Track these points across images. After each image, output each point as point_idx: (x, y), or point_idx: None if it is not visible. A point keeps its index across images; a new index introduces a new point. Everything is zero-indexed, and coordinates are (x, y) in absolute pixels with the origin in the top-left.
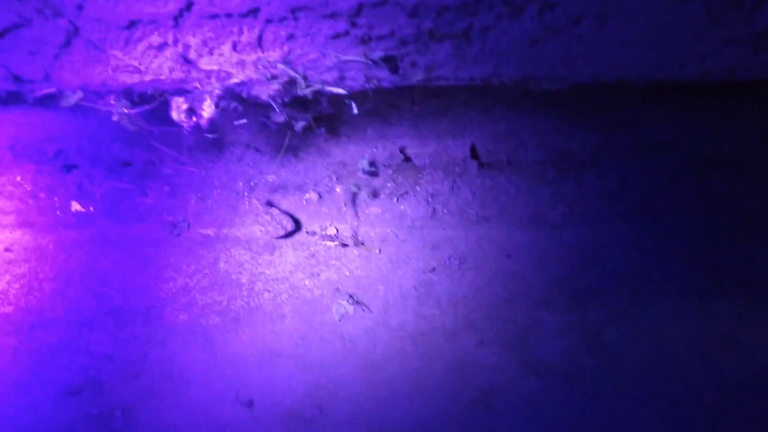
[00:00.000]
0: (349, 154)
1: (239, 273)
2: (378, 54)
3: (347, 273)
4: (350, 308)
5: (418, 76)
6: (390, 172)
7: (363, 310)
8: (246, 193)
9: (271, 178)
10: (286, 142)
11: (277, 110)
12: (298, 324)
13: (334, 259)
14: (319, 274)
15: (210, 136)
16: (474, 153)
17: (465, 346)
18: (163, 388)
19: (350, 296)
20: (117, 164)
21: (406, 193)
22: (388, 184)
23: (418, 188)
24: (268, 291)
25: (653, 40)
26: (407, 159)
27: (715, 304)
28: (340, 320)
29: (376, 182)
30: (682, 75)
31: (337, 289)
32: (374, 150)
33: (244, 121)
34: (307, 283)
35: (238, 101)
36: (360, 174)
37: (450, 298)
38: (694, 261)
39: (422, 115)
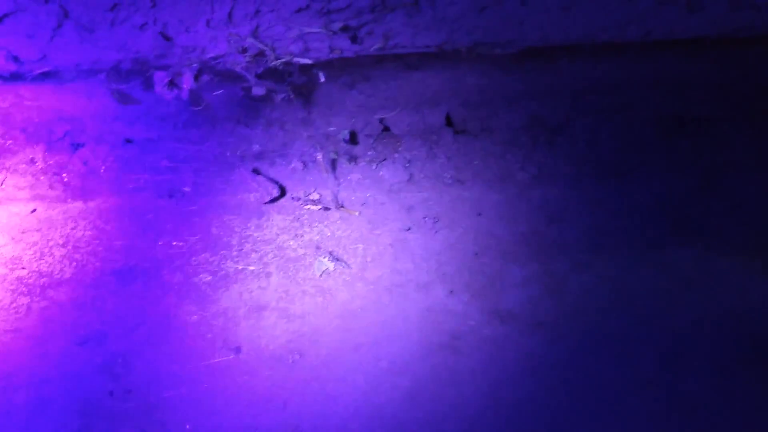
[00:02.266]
0: (332, 124)
1: (230, 236)
2: (337, 25)
3: (329, 234)
4: (330, 265)
5: (376, 45)
6: (370, 141)
7: (342, 267)
8: (237, 164)
9: (258, 149)
10: (271, 115)
11: (252, 82)
12: (282, 280)
13: (317, 221)
14: (302, 236)
15: (200, 111)
16: (449, 121)
17: (436, 296)
18: (159, 338)
19: (331, 254)
20: (119, 141)
21: (385, 159)
22: (369, 152)
23: (396, 155)
24: (256, 251)
25: (593, 2)
26: (386, 128)
27: (675, 253)
28: (320, 276)
29: (356, 150)
30: (626, 36)
31: (318, 248)
32: (354, 120)
33: (221, 92)
34: (291, 243)
35: (214, 74)
36: (342, 143)
37: (423, 253)
38: (656, 214)
39: (401, 88)
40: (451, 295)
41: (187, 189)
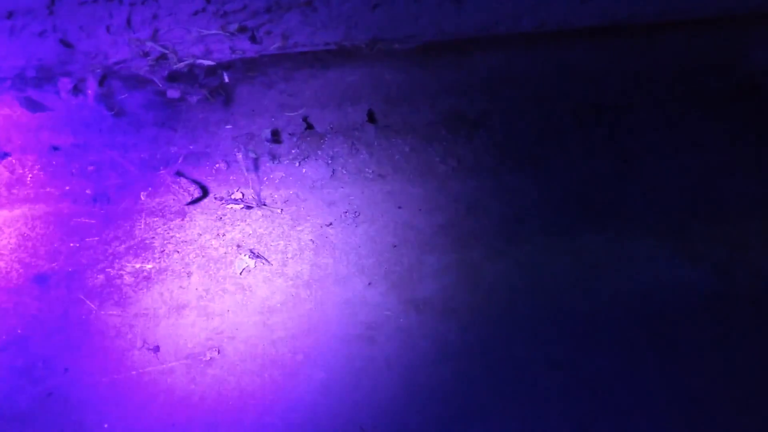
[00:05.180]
0: (255, 124)
1: (152, 238)
2: (234, 26)
3: (250, 232)
4: (251, 262)
5: (276, 44)
6: (294, 139)
7: (263, 263)
8: (160, 167)
9: (182, 151)
10: (193, 117)
11: (162, 85)
12: (203, 279)
13: (239, 220)
14: (224, 234)
15: (124, 116)
16: (371, 117)
17: (354, 288)
18: (79, 341)
19: (251, 252)
20: (46, 149)
21: (308, 157)
22: (293, 150)
23: (319, 152)
24: (178, 252)
25: None
26: (309, 126)
27: (586, 238)
28: (240, 273)
29: (280, 149)
30: (520, 27)
31: (240, 246)
32: (276, 119)
33: (135, 96)
34: (213, 242)
35: (121, 79)
36: (265, 143)
37: (344, 247)
38: (571, 201)
39: (322, 86)
40: (369, 287)
41: (111, 194)
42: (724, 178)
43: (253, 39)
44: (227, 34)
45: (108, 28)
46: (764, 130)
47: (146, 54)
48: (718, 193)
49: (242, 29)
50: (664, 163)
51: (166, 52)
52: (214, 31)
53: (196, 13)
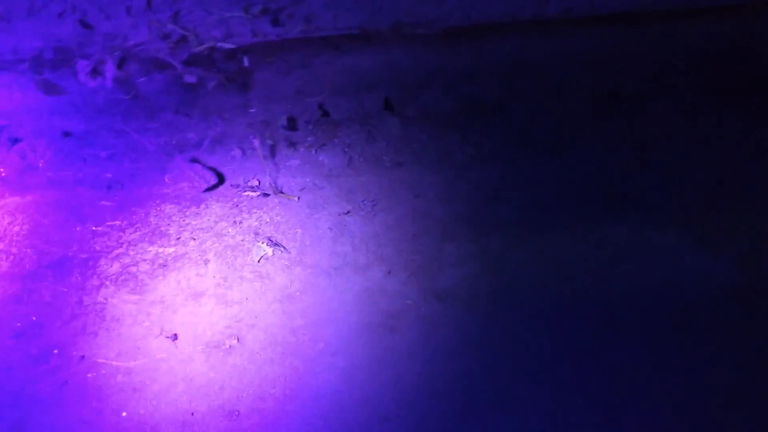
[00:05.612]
0: (270, 111)
1: (168, 225)
2: (257, 8)
3: (267, 219)
4: (269, 250)
5: (298, 27)
6: (310, 126)
7: (281, 251)
8: (175, 153)
9: (197, 138)
10: (208, 104)
11: (180, 69)
12: (221, 266)
13: (256, 207)
14: (241, 222)
15: (138, 101)
16: (388, 105)
17: (374, 277)
18: (95, 328)
19: (269, 239)
20: (58, 135)
21: (324, 144)
22: (308, 138)
23: (336, 140)
24: (194, 239)
25: None
26: (325, 113)
27: (609, 227)
28: (258, 261)
29: (296, 136)
30: (546, 12)
31: (257, 234)
32: (292, 106)
33: (153, 80)
34: (230, 230)
35: (139, 62)
36: (281, 130)
37: (362, 236)
38: (590, 190)
39: (339, 73)
40: (389, 276)
41: (125, 180)
42: (743, 169)
43: (275, 22)
44: (249, 16)
45: (128, 10)
46: None
47: (166, 36)
48: (738, 183)
49: (264, 11)
50: (683, 152)
51: (187, 34)
52: (236, 14)
53: None
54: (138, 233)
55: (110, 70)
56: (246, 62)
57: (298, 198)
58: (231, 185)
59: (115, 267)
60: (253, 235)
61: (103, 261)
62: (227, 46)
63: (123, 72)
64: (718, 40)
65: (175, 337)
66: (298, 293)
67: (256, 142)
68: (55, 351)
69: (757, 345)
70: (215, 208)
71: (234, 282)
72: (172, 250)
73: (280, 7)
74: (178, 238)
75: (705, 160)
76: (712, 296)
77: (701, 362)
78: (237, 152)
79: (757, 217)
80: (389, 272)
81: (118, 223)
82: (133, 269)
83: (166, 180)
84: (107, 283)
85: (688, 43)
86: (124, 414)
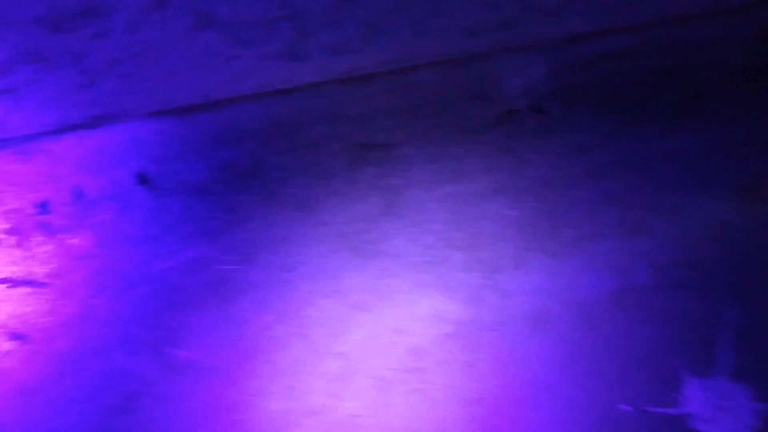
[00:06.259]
0: (18, 197)
1: None
2: None
3: (16, 311)
4: (11, 344)
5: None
6: (64, 209)
7: (24, 343)
8: None
9: None
10: None
11: None
12: None
13: (3, 300)
14: None
15: None
16: (142, 179)
17: (116, 358)
18: None
19: (12, 333)
20: None
21: (78, 226)
22: (62, 221)
23: (88, 221)
24: None
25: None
26: (80, 194)
27: (349, 278)
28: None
29: (49, 220)
30: (242, 90)
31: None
32: (44, 190)
33: None
34: None
35: None
36: (36, 215)
37: (109, 318)
38: (337, 243)
39: (90, 152)
40: (131, 356)
41: None
42: (483, 203)
43: None
44: None
45: None
46: (524, 151)
47: None
48: (477, 219)
49: None
50: (429, 195)
51: None
52: None
53: None
54: None
55: None
56: None
57: (48, 285)
58: None
59: None
60: None
61: None
62: None
63: None
64: (455, 84)
65: None
66: (39, 384)
67: (8, 232)
68: None
69: None
70: None
71: None
72: None
73: None
74: None
75: (449, 199)
76: (442, 333)
77: None
78: None
79: (490, 251)
80: (131, 353)
81: None
82: None
83: None
84: None
85: (427, 90)
86: None
